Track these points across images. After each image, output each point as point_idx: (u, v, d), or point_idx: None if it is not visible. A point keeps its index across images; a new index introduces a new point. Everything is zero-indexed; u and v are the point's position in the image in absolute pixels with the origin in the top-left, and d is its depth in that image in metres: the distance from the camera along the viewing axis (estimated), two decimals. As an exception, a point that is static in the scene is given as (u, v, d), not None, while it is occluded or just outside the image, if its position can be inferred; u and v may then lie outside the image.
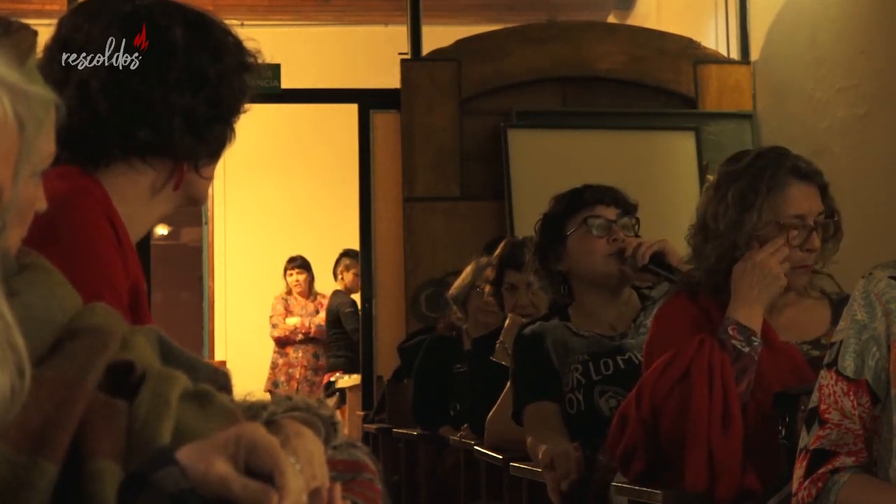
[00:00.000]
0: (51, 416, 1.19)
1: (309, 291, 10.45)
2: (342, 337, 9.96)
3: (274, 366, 10.23)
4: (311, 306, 10.38)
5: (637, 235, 3.58)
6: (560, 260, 3.60)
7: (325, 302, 10.34)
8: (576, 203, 3.60)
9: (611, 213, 3.57)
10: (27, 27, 1.66)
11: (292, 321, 10.27)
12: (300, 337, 10.24)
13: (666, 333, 2.94)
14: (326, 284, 10.49)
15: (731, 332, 2.80)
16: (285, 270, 10.48)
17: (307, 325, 10.25)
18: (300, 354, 10.23)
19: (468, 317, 5.38)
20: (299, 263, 10.45)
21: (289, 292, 10.45)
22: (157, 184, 1.97)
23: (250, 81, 2.00)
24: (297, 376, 10.16)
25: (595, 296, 3.61)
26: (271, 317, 10.33)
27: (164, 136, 1.92)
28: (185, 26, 1.95)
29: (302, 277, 10.43)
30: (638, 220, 3.61)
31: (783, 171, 2.87)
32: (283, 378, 10.13)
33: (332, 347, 10.12)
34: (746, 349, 2.78)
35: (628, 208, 3.61)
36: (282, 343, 10.27)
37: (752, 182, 2.87)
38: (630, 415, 2.85)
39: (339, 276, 10.29)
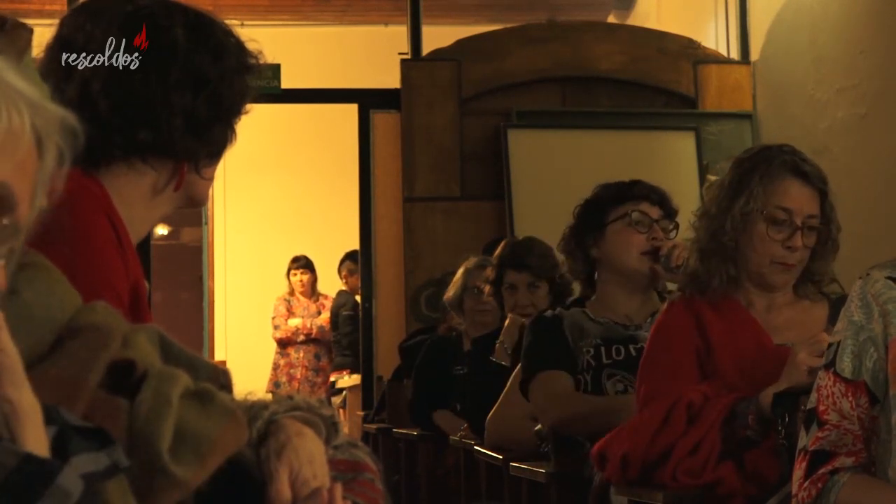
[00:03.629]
0: (52, 414, 1.19)
1: (312, 292, 10.45)
2: (347, 336, 9.99)
3: (275, 366, 10.24)
4: (313, 307, 10.38)
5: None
6: (595, 246, 3.61)
7: (328, 303, 10.35)
8: (624, 194, 3.62)
9: (655, 211, 3.60)
10: (23, 25, 1.66)
11: (294, 322, 10.27)
12: (301, 338, 10.24)
13: (664, 351, 2.95)
14: (326, 284, 10.49)
15: (750, 423, 2.73)
16: (289, 270, 10.47)
17: (308, 326, 10.25)
18: (301, 355, 10.23)
19: (466, 318, 5.39)
20: (303, 263, 10.44)
21: (291, 293, 10.45)
22: (157, 185, 1.96)
23: (251, 82, 1.99)
24: (299, 377, 10.16)
25: (619, 288, 3.63)
26: (273, 318, 10.33)
27: (165, 137, 1.92)
28: (186, 27, 1.94)
29: (306, 278, 10.42)
30: (677, 225, 3.62)
31: (780, 164, 2.89)
32: (284, 378, 10.13)
33: (338, 347, 10.13)
34: (759, 440, 2.73)
35: (671, 212, 3.64)
36: (283, 344, 10.27)
37: (749, 169, 2.89)
38: (614, 473, 2.86)
39: (343, 279, 10.32)
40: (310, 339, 10.24)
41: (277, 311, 10.34)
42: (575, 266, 3.70)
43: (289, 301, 10.39)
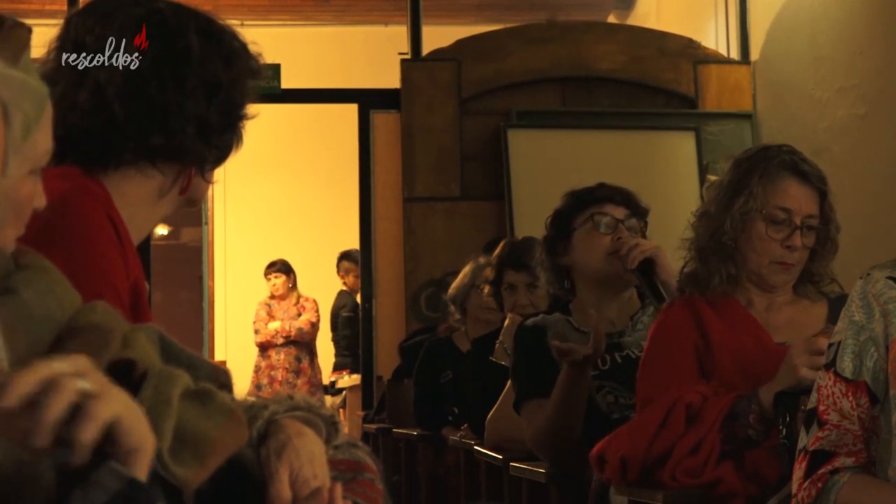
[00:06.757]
0: (52, 414, 1.19)
1: (288, 294, 10.45)
2: (346, 338, 10.00)
3: (256, 369, 10.27)
4: (293, 310, 10.39)
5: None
6: (565, 254, 3.60)
7: (308, 304, 10.37)
8: (586, 199, 3.60)
9: (619, 212, 3.57)
10: (22, 24, 1.66)
11: (273, 325, 10.29)
12: (281, 341, 10.24)
13: (663, 351, 2.95)
14: (326, 284, 10.49)
15: (752, 422, 2.72)
16: (265, 275, 10.50)
17: (287, 328, 10.25)
18: (282, 357, 10.25)
19: (467, 316, 5.38)
20: (278, 268, 10.49)
21: (271, 297, 10.47)
22: (163, 187, 1.97)
23: (253, 85, 2.00)
24: (280, 378, 10.16)
25: (595, 292, 3.60)
26: (254, 322, 10.36)
27: (177, 143, 1.92)
28: (199, 33, 1.94)
29: (280, 281, 10.44)
30: (646, 224, 3.60)
31: (779, 164, 2.89)
32: (265, 381, 10.14)
33: (337, 347, 10.14)
34: (761, 440, 2.72)
35: (639, 211, 3.61)
36: (264, 347, 10.29)
37: (748, 169, 2.90)
38: (613, 475, 2.86)
39: (341, 278, 10.33)
40: (290, 342, 10.24)
41: (258, 315, 10.37)
42: (548, 276, 3.69)
43: (269, 305, 10.42)
